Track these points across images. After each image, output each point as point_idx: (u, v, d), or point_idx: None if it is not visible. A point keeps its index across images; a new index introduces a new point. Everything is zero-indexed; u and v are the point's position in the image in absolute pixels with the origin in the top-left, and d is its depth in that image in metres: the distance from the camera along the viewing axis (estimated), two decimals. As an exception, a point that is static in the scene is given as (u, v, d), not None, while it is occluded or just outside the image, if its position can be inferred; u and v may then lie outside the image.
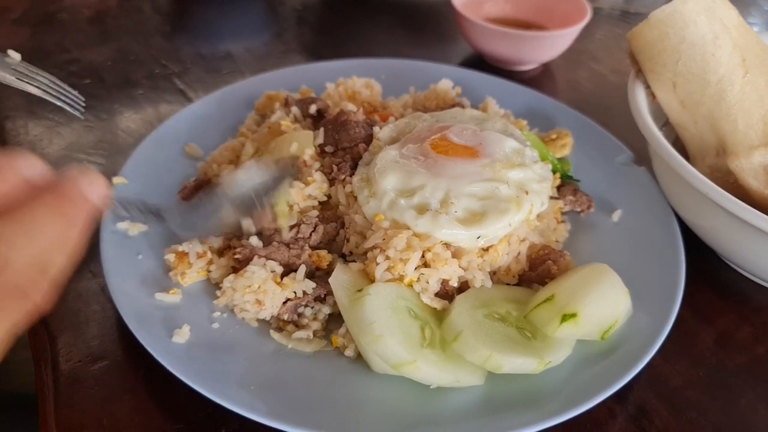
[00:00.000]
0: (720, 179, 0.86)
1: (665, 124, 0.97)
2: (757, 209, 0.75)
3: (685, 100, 0.88)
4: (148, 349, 0.70)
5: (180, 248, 0.79)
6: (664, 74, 0.88)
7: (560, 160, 0.99)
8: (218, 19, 1.43)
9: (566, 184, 0.95)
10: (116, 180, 0.88)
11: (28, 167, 0.46)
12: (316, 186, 0.84)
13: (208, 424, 0.69)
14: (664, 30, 0.86)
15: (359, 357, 0.73)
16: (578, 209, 0.93)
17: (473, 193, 0.80)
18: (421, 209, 0.78)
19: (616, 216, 0.93)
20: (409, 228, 0.77)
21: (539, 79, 1.34)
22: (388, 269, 0.74)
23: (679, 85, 0.88)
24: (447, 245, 0.78)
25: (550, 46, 1.27)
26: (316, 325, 0.76)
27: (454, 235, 0.77)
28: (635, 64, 0.94)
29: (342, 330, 0.74)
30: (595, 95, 1.30)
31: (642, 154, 0.99)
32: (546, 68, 1.37)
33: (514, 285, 0.82)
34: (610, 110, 1.18)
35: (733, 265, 0.91)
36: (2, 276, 0.42)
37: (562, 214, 0.93)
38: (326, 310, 0.79)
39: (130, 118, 1.13)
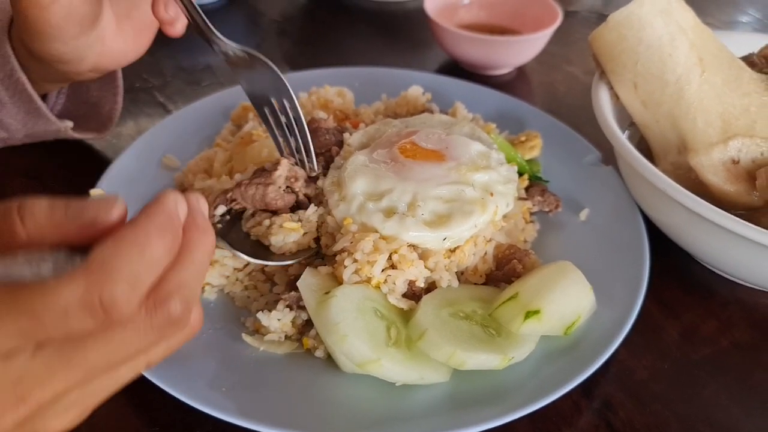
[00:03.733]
0: (682, 176, 0.89)
1: (631, 124, 1.00)
2: (717, 204, 0.77)
3: (646, 100, 0.90)
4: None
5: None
6: (625, 75, 0.91)
7: (529, 161, 1.01)
8: (199, 32, 1.45)
9: (535, 185, 0.97)
10: (93, 192, 0.91)
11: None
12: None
13: (183, 427, 0.71)
14: (622, 32, 0.88)
15: (329, 358, 0.75)
16: (546, 209, 0.96)
17: (439, 195, 0.82)
18: (389, 212, 0.80)
19: (584, 215, 0.95)
20: (376, 231, 0.79)
21: (513, 82, 1.36)
22: (356, 271, 0.76)
23: (640, 85, 0.90)
24: (414, 247, 0.80)
25: (521, 50, 1.29)
26: (290, 329, 0.78)
27: (421, 237, 0.79)
28: (599, 66, 0.96)
29: (312, 332, 0.76)
30: (568, 97, 1.32)
31: (610, 154, 1.01)
32: (520, 72, 1.39)
33: (481, 284, 0.84)
34: (583, 111, 1.20)
35: (699, 260, 0.93)
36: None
37: (531, 214, 0.95)
38: (304, 315, 0.80)
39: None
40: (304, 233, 0.82)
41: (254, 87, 0.86)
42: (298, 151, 0.87)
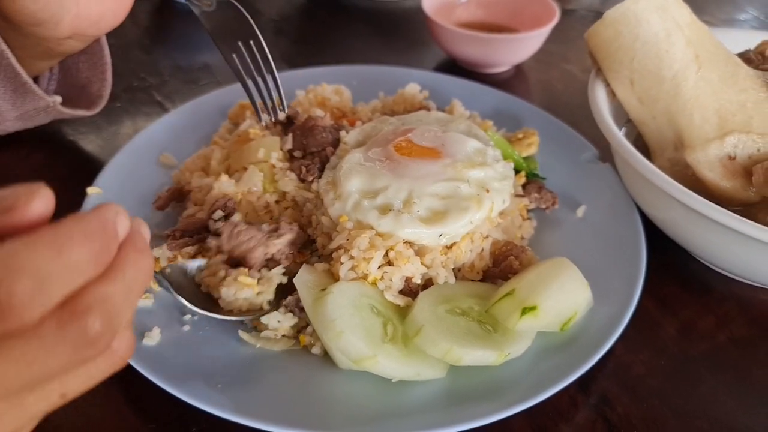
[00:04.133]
0: (679, 173, 0.89)
1: (628, 121, 1.00)
2: (713, 201, 0.77)
3: (643, 96, 0.90)
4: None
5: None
6: (621, 72, 0.91)
7: (527, 158, 1.01)
8: (196, 31, 1.45)
9: (531, 182, 0.97)
10: (90, 190, 0.91)
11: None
12: (291, 184, 0.87)
13: (180, 424, 0.71)
14: (618, 29, 0.88)
15: (326, 355, 0.75)
16: (543, 206, 0.96)
17: (435, 192, 0.82)
18: (384, 209, 0.80)
19: (581, 212, 0.95)
20: (372, 228, 0.79)
21: (511, 81, 1.36)
22: (352, 268, 0.76)
23: (636, 82, 0.90)
24: (410, 244, 0.80)
25: (519, 48, 1.29)
26: (288, 330, 0.78)
27: (416, 234, 0.79)
28: (595, 63, 0.97)
29: (309, 329, 0.76)
30: (566, 95, 1.32)
31: (607, 151, 1.01)
32: (518, 70, 1.39)
33: (478, 281, 0.84)
34: (580, 109, 1.19)
35: (696, 257, 0.93)
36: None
37: (528, 211, 0.95)
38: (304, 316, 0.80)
39: (108, 131, 1.15)
40: (258, 293, 0.78)
41: (224, 33, 0.85)
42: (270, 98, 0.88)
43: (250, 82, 0.91)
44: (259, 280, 0.78)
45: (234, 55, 0.86)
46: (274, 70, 0.86)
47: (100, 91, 1.04)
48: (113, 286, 0.41)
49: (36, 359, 0.38)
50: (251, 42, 0.85)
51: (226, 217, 0.84)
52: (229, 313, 0.77)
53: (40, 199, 0.39)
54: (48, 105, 0.95)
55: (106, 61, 1.03)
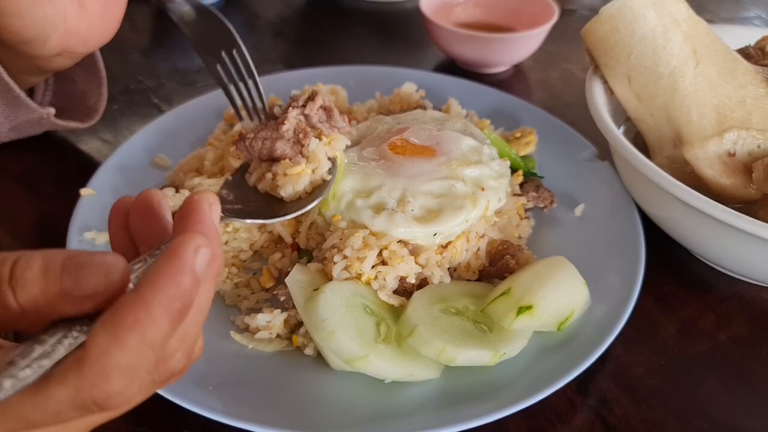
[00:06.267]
0: (678, 170, 0.87)
1: (627, 119, 0.99)
2: (713, 198, 0.76)
3: (640, 93, 0.89)
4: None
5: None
6: (618, 68, 0.90)
7: (525, 157, 1.00)
8: (195, 34, 1.45)
9: (529, 181, 0.96)
10: (84, 191, 0.90)
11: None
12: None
13: (171, 426, 0.70)
14: (615, 25, 0.87)
15: (319, 356, 0.74)
16: (541, 205, 0.94)
17: (429, 191, 0.81)
18: (378, 209, 0.79)
19: (579, 210, 0.94)
20: (366, 227, 0.78)
21: (510, 80, 1.35)
22: (346, 268, 0.75)
23: (634, 78, 0.89)
24: (405, 243, 0.79)
25: (517, 47, 1.28)
26: (280, 328, 0.77)
27: (410, 233, 0.78)
28: (592, 61, 0.95)
29: (302, 330, 0.76)
30: (565, 94, 1.31)
31: (606, 150, 1.00)
32: (517, 70, 1.38)
33: (474, 281, 0.83)
34: (580, 108, 1.18)
35: (697, 255, 0.92)
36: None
37: (526, 210, 0.94)
38: (296, 314, 0.79)
39: (104, 133, 1.15)
40: (314, 169, 0.78)
41: (206, 43, 0.86)
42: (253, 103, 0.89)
43: (232, 88, 0.92)
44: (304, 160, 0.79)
45: (218, 65, 0.87)
46: (256, 76, 0.88)
47: (96, 104, 1.04)
48: (190, 324, 0.44)
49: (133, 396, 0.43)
50: (234, 50, 0.85)
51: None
52: (299, 203, 0.78)
53: (117, 275, 0.41)
54: (42, 117, 0.95)
55: (101, 75, 1.03)
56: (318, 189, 0.79)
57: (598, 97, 0.92)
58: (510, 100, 1.14)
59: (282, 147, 0.79)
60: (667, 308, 0.86)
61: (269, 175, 0.79)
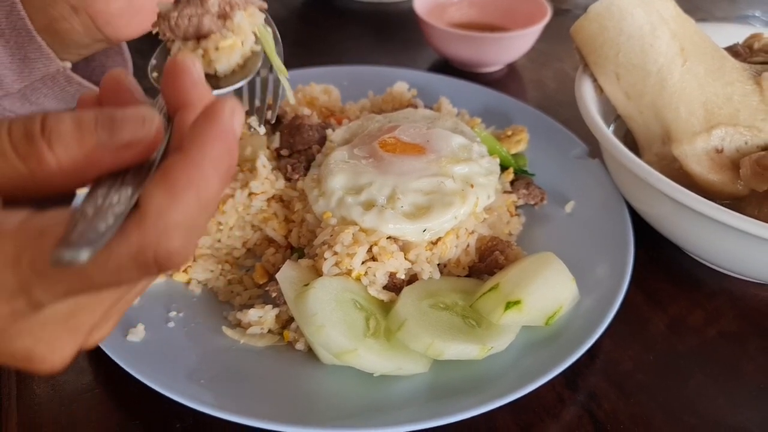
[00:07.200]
0: (667, 167, 0.88)
1: (618, 117, 0.99)
2: (702, 194, 0.77)
3: (629, 90, 0.90)
4: (104, 347, 0.72)
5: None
6: (607, 66, 0.91)
7: (516, 155, 1.01)
8: (192, 35, 1.46)
9: (520, 178, 0.97)
10: (80, 190, 0.91)
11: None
12: (271, 184, 0.87)
13: (164, 420, 0.71)
14: (603, 23, 0.88)
15: (310, 350, 0.75)
16: (532, 202, 0.95)
17: (419, 188, 0.82)
18: (368, 205, 0.80)
19: (569, 207, 0.94)
20: (356, 224, 0.79)
21: (504, 79, 1.36)
22: (336, 264, 0.76)
23: (622, 76, 0.90)
24: (395, 239, 0.80)
25: (511, 47, 1.29)
26: (272, 324, 0.78)
27: (400, 229, 0.79)
28: (582, 59, 0.96)
29: (293, 325, 0.76)
30: (559, 93, 1.32)
31: (596, 147, 1.00)
32: (511, 69, 1.39)
33: (463, 276, 0.83)
34: (573, 107, 1.18)
35: (686, 252, 0.93)
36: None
37: (517, 207, 0.95)
38: (287, 310, 0.80)
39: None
40: (242, 41, 0.73)
41: None
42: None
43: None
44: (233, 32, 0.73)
45: None
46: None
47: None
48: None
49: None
50: None
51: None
52: (232, 77, 0.73)
53: (152, 125, 0.41)
54: (58, 69, 0.93)
55: (126, 58, 1.02)
56: (250, 61, 0.75)
57: (587, 96, 0.93)
58: (502, 98, 1.15)
59: (209, 22, 0.73)
60: (657, 304, 0.87)
61: (199, 52, 0.73)
